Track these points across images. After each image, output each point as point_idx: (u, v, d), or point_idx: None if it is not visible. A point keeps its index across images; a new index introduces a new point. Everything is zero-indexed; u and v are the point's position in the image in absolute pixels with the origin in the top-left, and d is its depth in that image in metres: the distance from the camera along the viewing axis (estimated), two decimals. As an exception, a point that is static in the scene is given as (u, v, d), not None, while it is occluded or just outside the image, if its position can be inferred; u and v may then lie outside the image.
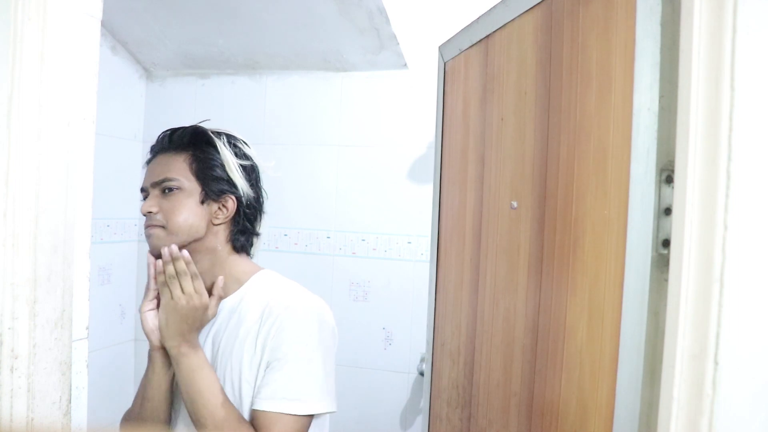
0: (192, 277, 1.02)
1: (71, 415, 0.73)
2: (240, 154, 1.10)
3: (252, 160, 1.12)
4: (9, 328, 0.64)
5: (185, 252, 1.03)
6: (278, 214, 2.28)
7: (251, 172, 1.12)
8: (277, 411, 0.96)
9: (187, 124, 1.12)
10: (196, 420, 0.99)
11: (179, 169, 1.06)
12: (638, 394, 0.73)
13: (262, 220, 1.15)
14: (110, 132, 2.15)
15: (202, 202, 1.06)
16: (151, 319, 1.06)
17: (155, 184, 1.06)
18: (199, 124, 1.11)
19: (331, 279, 2.24)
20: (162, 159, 1.08)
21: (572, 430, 0.85)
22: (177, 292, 1.01)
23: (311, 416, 0.99)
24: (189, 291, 1.01)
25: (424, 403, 1.47)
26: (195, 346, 1.03)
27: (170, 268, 1.01)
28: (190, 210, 1.04)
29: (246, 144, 1.13)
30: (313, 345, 1.01)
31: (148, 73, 2.41)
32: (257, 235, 1.15)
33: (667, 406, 0.61)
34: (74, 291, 0.73)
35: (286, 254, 2.28)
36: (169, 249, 1.02)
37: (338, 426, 2.24)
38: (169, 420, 1.08)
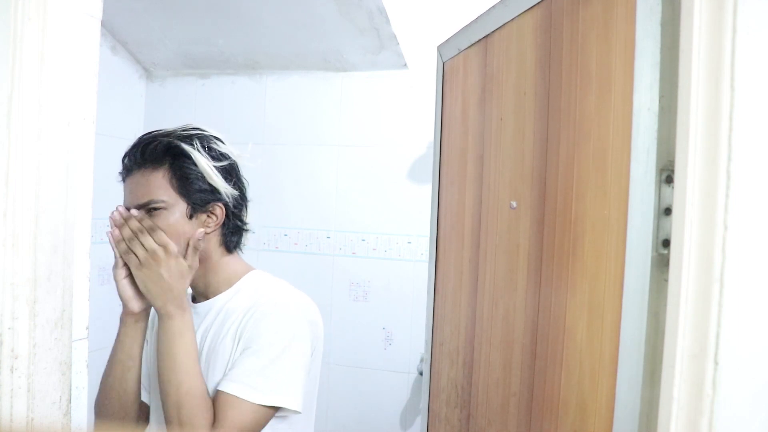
0: (150, 232, 0.99)
1: (71, 415, 0.73)
2: (216, 156, 1.07)
3: (229, 157, 1.10)
4: (9, 328, 0.64)
5: (134, 210, 1.01)
6: (278, 214, 2.28)
7: (231, 171, 1.10)
8: (234, 394, 0.96)
9: (159, 128, 1.10)
10: (161, 384, 0.98)
11: (160, 187, 1.03)
12: (638, 394, 0.73)
13: (248, 211, 1.14)
14: (110, 132, 2.15)
15: (191, 217, 1.05)
16: (128, 285, 1.04)
17: (140, 207, 1.03)
18: (171, 135, 1.07)
19: (331, 279, 2.24)
20: (139, 177, 1.05)
21: (572, 430, 0.85)
22: (141, 252, 0.99)
23: (273, 409, 0.98)
24: (151, 246, 0.99)
25: (423, 404, 1.47)
26: (181, 306, 1.00)
27: (126, 231, 0.99)
28: (181, 227, 1.03)
29: (219, 141, 1.10)
30: (286, 340, 1.00)
31: (148, 73, 2.41)
32: (247, 230, 1.14)
33: (667, 406, 0.61)
34: (74, 291, 0.73)
35: (286, 254, 2.28)
36: (118, 212, 1.00)
37: (338, 426, 2.24)
38: (138, 385, 1.08)
